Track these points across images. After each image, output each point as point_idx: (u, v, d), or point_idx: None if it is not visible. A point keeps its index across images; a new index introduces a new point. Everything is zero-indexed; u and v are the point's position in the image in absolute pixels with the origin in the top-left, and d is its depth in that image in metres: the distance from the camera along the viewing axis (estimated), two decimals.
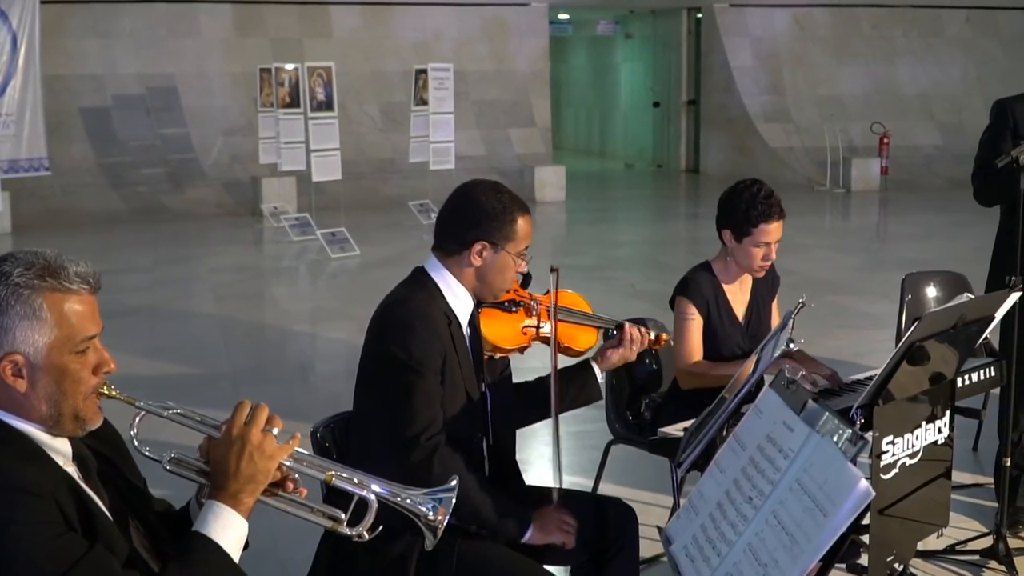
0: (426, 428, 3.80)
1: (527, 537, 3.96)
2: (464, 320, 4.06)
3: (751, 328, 5.48)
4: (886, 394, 3.88)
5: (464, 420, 3.98)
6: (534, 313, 4.32)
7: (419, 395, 3.81)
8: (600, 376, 4.39)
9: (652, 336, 4.50)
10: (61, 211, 19.14)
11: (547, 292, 4.32)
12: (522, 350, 4.33)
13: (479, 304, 4.18)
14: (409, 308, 3.92)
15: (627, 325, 4.42)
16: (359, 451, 4.01)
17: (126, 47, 20.91)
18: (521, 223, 4.04)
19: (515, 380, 4.42)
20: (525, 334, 4.29)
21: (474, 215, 4.00)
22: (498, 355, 4.26)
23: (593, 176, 28.23)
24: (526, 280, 4.32)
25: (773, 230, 5.25)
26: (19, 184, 17.98)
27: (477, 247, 3.99)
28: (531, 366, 4.83)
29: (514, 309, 4.30)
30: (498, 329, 4.23)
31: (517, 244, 4.03)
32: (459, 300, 4.05)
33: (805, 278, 12.62)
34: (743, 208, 5.25)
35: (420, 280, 4.06)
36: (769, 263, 5.33)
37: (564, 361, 4.29)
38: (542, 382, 4.34)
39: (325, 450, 4.17)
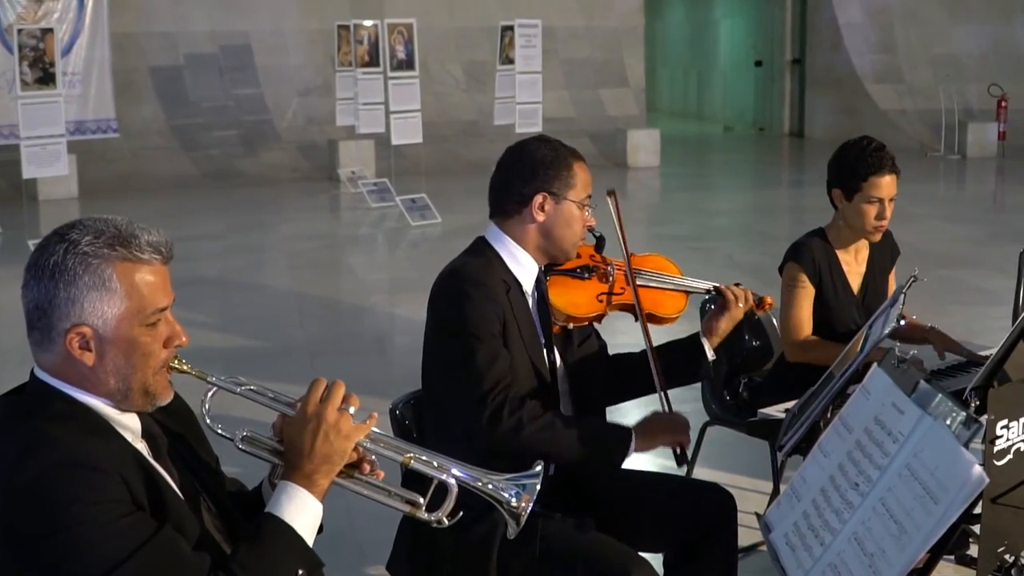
0: (493, 387, 3.80)
1: (632, 448, 3.97)
2: (528, 287, 4.07)
3: (867, 301, 5.41)
4: (1002, 375, 3.84)
5: (530, 393, 3.96)
6: (610, 279, 4.28)
7: (480, 358, 3.82)
8: (711, 353, 4.30)
9: (755, 299, 4.42)
10: (130, 175, 19.33)
11: (625, 256, 4.29)
12: (599, 319, 4.31)
13: (548, 270, 4.18)
14: (462, 276, 3.95)
15: (724, 286, 4.33)
16: (436, 431, 4.04)
17: (198, 3, 21.00)
18: (577, 168, 4.06)
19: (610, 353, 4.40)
20: (601, 301, 4.26)
21: (529, 167, 4.03)
22: (571, 325, 4.24)
23: (690, 140, 28.10)
24: (600, 244, 4.31)
25: (885, 184, 5.21)
26: (86, 146, 18.17)
27: (538, 200, 4.00)
28: (620, 341, 4.82)
29: (587, 275, 4.26)
30: (570, 297, 4.21)
31: (578, 192, 4.04)
32: (522, 267, 4.06)
33: (916, 250, 12.46)
34: (852, 162, 5.24)
35: (478, 248, 4.09)
36: (884, 223, 5.27)
37: (655, 331, 4.26)
38: (639, 356, 4.30)
39: (405, 428, 4.19)
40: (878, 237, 5.37)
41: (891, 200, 5.25)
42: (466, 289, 3.89)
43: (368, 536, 5.58)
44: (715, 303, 4.36)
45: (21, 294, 2.68)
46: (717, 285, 4.35)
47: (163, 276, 2.74)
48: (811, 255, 5.33)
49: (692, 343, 4.32)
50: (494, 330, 3.87)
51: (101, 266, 2.64)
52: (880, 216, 5.24)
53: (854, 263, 5.44)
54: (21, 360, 2.81)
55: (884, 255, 5.54)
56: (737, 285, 4.33)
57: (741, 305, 4.28)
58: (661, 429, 4.06)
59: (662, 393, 4.18)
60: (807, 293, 5.30)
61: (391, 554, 4.05)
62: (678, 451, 4.12)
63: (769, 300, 4.53)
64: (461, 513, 2.90)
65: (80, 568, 2.49)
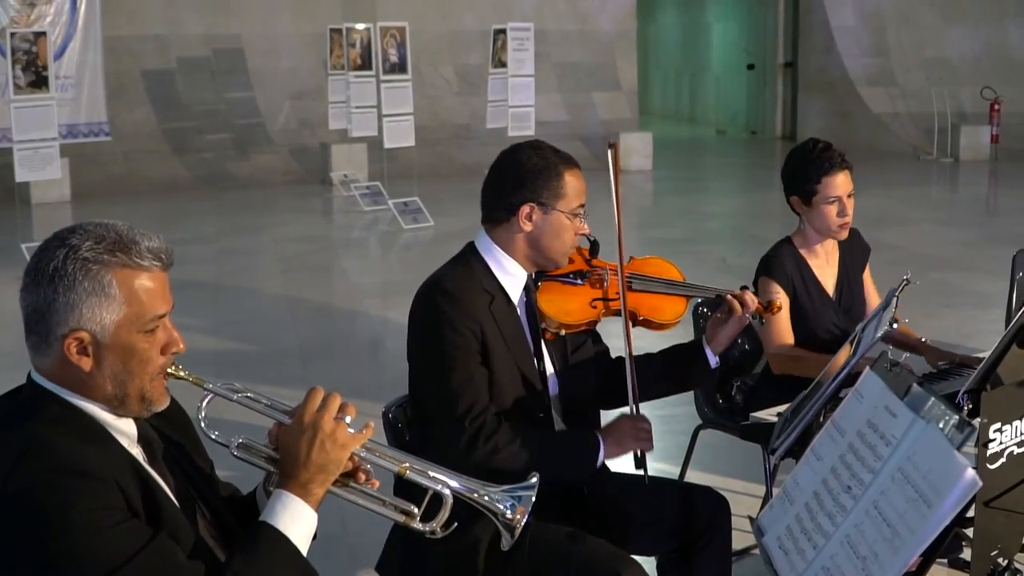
0: (468, 410, 3.80)
1: (602, 456, 3.97)
2: (515, 296, 4.05)
3: (844, 302, 5.45)
4: (995, 378, 3.85)
5: (518, 402, 3.97)
6: (604, 284, 4.22)
7: (456, 378, 3.82)
8: (713, 361, 4.23)
9: (764, 302, 4.37)
10: (122, 178, 19.32)
11: (627, 261, 4.25)
12: (592, 325, 4.25)
13: (539, 276, 4.16)
14: (439, 289, 3.93)
15: (728, 296, 4.20)
16: (421, 436, 4.06)
17: (191, 7, 20.99)
18: (568, 178, 3.99)
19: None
20: (594, 308, 4.20)
21: (517, 176, 3.99)
22: (564, 332, 4.20)
23: (682, 143, 28.12)
24: (594, 248, 4.28)
25: (840, 182, 5.26)
26: (78, 150, 18.15)
27: (525, 210, 3.96)
28: (618, 344, 4.82)
29: (580, 281, 4.20)
30: (560, 304, 4.16)
31: (568, 201, 3.99)
32: (510, 275, 4.04)
33: (909, 253, 12.47)
34: (802, 167, 5.34)
35: (464, 256, 4.07)
36: (847, 220, 5.31)
37: (653, 336, 4.25)
38: (639, 360, 4.21)
39: (398, 431, 4.20)
40: (845, 234, 5.39)
41: (849, 196, 5.30)
42: (441, 306, 3.88)
43: (361, 539, 5.58)
44: (713, 307, 4.31)
45: (20, 297, 2.68)
46: (722, 292, 4.26)
47: (162, 283, 2.75)
48: (782, 266, 5.35)
49: (694, 349, 4.27)
50: (471, 347, 3.86)
51: (101, 272, 2.64)
52: (842, 213, 5.28)
53: (826, 265, 5.46)
54: (16, 363, 2.81)
55: (855, 254, 5.56)
56: (744, 290, 4.26)
57: (748, 312, 4.19)
58: (629, 435, 4.02)
59: (633, 395, 4.09)
60: (783, 302, 5.29)
61: (381, 556, 4.05)
62: (639, 454, 4.07)
63: (778, 303, 4.50)
64: (455, 524, 2.91)
65: (75, 575, 2.49)
